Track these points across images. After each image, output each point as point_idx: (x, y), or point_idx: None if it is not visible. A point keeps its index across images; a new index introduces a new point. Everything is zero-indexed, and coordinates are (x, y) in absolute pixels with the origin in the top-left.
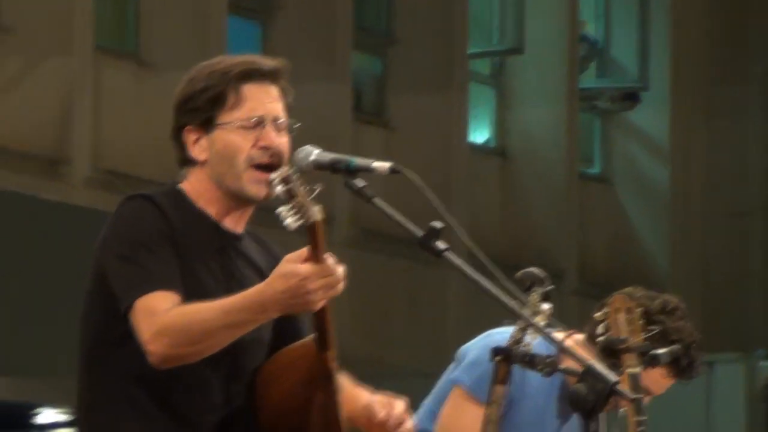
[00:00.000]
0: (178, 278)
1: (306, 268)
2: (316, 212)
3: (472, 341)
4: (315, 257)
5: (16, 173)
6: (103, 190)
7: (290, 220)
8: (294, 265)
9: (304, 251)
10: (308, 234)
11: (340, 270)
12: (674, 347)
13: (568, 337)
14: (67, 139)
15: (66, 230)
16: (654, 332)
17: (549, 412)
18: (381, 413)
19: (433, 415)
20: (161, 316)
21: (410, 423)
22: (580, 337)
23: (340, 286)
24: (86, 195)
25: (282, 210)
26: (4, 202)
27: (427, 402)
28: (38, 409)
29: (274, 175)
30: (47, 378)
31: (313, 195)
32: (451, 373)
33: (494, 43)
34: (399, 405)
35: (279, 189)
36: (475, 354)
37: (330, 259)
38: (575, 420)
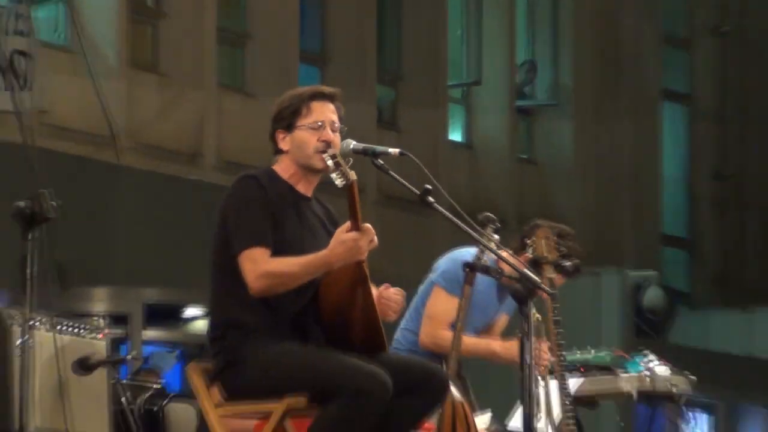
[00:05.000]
0: (270, 235)
1: (355, 234)
2: (352, 175)
3: (442, 258)
4: (356, 225)
5: (171, 163)
6: (224, 173)
7: (338, 182)
8: (346, 234)
9: (348, 225)
10: (348, 190)
11: (372, 231)
12: (574, 261)
13: (505, 252)
14: (201, 142)
15: (200, 200)
16: (561, 249)
17: (491, 297)
18: (383, 290)
19: (418, 312)
20: (262, 265)
21: (401, 295)
22: (509, 250)
23: (375, 240)
24: (214, 176)
25: (333, 176)
26: (164, 180)
27: (413, 304)
28: (185, 307)
29: (327, 155)
30: (191, 287)
31: (349, 165)
32: (430, 279)
33: (464, 78)
34: (396, 289)
35: (330, 162)
36: (445, 265)
37: (366, 225)
38: (509, 301)
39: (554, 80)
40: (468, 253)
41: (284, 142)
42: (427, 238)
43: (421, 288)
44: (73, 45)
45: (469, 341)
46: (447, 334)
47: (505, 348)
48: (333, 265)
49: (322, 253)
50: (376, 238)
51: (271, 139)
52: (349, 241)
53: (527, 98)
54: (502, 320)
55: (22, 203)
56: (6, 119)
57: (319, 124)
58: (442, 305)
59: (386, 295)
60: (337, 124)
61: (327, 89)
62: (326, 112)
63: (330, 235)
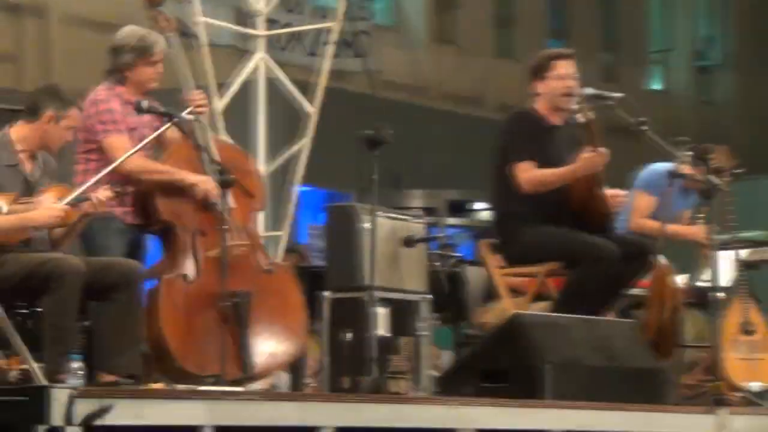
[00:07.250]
0: (535, 153)
1: (593, 155)
2: (590, 116)
3: (641, 171)
4: (594, 149)
5: (463, 105)
6: (499, 112)
7: (580, 119)
8: (587, 154)
9: (589, 148)
10: (587, 126)
11: (606, 153)
12: (741, 169)
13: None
14: (485, 92)
15: (483, 131)
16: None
17: (677, 199)
18: (613, 192)
19: (627, 208)
20: (529, 173)
21: (622, 194)
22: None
23: (607, 158)
24: (493, 114)
25: (577, 116)
26: (458, 117)
27: (625, 204)
28: (474, 202)
29: (573, 97)
30: (478, 188)
31: (588, 109)
32: (634, 185)
33: (660, 46)
34: (620, 191)
35: (576, 107)
36: (643, 175)
37: (602, 148)
38: (689, 201)
39: (723, 47)
40: (660, 166)
41: (539, 88)
42: (638, 155)
43: (629, 193)
44: (398, 26)
45: (666, 227)
46: (647, 222)
47: (684, 230)
48: (577, 175)
49: (569, 167)
50: (606, 157)
51: (529, 85)
52: (588, 159)
53: (705, 60)
54: (686, 214)
55: (368, 132)
56: (355, 77)
57: (562, 75)
58: (642, 202)
59: (615, 196)
60: (575, 75)
61: (566, 51)
62: (567, 67)
63: (573, 150)
